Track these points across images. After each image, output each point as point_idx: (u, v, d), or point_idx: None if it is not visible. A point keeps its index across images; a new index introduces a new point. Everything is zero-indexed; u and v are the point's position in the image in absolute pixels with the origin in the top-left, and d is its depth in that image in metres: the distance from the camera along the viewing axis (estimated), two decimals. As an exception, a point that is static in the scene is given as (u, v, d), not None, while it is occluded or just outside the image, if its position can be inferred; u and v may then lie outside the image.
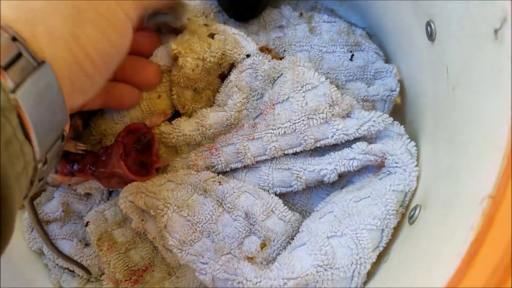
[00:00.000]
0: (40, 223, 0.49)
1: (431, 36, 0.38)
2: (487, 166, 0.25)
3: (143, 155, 0.48)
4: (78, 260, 0.48)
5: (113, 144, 0.47)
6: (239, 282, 0.36)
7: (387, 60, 0.52)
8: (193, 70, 0.46)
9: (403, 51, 0.47)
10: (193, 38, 0.46)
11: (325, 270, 0.35)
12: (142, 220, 0.44)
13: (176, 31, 0.47)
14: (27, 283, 0.47)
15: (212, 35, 0.49)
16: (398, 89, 0.49)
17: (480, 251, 0.24)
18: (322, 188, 0.46)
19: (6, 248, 0.26)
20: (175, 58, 0.46)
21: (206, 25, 0.49)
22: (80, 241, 0.50)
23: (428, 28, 0.38)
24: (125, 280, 0.44)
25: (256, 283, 0.35)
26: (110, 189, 0.51)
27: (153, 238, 0.44)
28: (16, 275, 0.47)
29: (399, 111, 0.50)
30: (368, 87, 0.49)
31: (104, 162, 0.46)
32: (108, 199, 0.52)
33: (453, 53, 0.34)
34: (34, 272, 0.49)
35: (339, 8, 0.57)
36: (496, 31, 0.26)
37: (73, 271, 0.49)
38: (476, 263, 0.24)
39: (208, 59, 0.47)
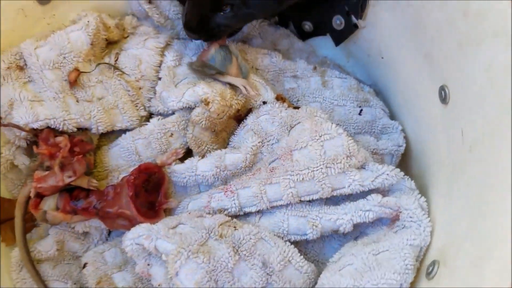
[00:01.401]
0: (32, 262, 0.46)
1: (444, 99, 0.41)
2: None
3: (152, 195, 0.47)
4: (72, 304, 0.45)
5: (122, 183, 0.46)
6: (259, 335, 0.34)
7: (392, 117, 0.55)
8: (218, 115, 0.47)
9: (411, 109, 0.50)
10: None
11: (349, 326, 0.35)
12: (148, 264, 0.42)
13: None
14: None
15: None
16: (404, 145, 0.51)
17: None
18: (334, 238, 0.46)
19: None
20: (203, 101, 0.46)
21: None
22: (75, 283, 0.46)
23: (442, 92, 0.41)
24: (125, 328, 0.41)
25: (278, 336, 0.34)
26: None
27: (158, 285, 0.42)
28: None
29: (404, 164, 0.52)
30: (377, 141, 0.51)
31: (111, 202, 0.45)
32: (107, 240, 0.49)
33: (469, 117, 0.36)
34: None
35: (345, 64, 0.60)
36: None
37: (64, 316, 0.45)
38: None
39: (234, 106, 0.48)
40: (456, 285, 0.33)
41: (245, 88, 0.48)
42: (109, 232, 0.50)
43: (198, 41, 0.54)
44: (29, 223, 0.50)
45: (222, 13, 0.46)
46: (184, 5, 0.47)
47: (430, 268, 0.38)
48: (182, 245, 0.39)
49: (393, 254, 0.39)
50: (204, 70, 0.48)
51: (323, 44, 0.60)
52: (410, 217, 0.41)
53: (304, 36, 0.60)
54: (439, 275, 0.36)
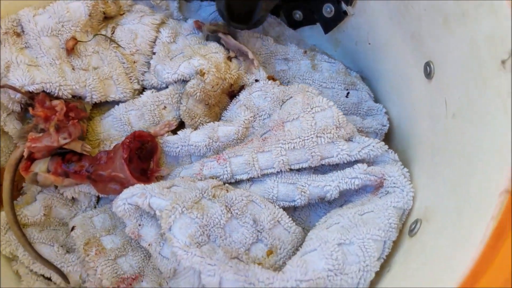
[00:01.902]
0: (18, 224, 0.46)
1: (429, 74, 0.43)
2: (499, 166, 0.29)
3: (144, 163, 0.48)
4: (58, 266, 0.44)
5: (116, 148, 0.46)
6: (250, 283, 0.35)
7: (377, 102, 0.57)
8: (212, 87, 0.48)
9: (396, 90, 0.52)
10: (217, 56, 0.49)
11: (335, 275, 0.36)
12: (140, 225, 0.43)
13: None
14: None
15: (230, 58, 0.52)
16: (388, 124, 0.54)
17: (503, 238, 0.26)
18: (320, 206, 0.48)
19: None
20: (199, 73, 0.48)
21: (226, 48, 0.52)
22: (61, 246, 0.46)
23: (427, 68, 0.43)
24: (113, 288, 0.41)
25: (268, 284, 0.35)
26: (102, 195, 0.48)
27: (148, 245, 0.43)
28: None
29: (388, 143, 0.54)
30: (362, 120, 0.53)
31: (104, 165, 0.45)
32: (95, 207, 0.50)
33: (453, 87, 0.39)
34: (3, 278, 0.45)
35: (333, 53, 0.63)
36: (503, 62, 0.31)
37: (49, 279, 0.45)
38: (500, 252, 0.26)
39: (227, 79, 0.49)
40: (437, 239, 0.35)
41: (251, 54, 0.49)
42: (98, 200, 0.50)
43: (191, 23, 0.56)
44: (16, 192, 0.50)
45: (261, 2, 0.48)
46: None
47: (413, 226, 0.40)
48: (177, 201, 0.40)
49: (377, 214, 0.40)
50: (216, 28, 0.50)
51: (312, 34, 0.63)
52: (394, 183, 0.43)
53: (294, 25, 0.63)
54: (421, 231, 0.38)
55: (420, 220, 0.39)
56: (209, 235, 0.39)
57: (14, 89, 0.44)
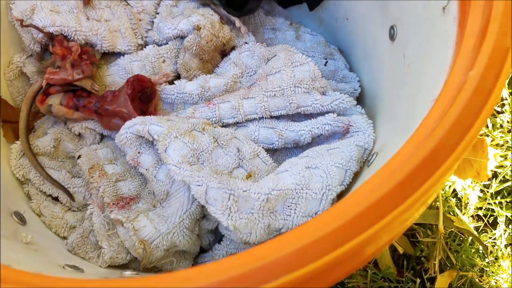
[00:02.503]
0: (31, 149, 0.52)
1: (392, 36, 0.51)
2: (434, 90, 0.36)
3: (144, 105, 0.55)
4: (65, 187, 0.51)
5: (121, 88, 0.53)
6: (231, 190, 0.42)
7: (351, 71, 0.65)
8: (207, 42, 0.56)
9: (367, 57, 0.60)
10: (212, 17, 0.57)
11: (301, 189, 0.43)
12: (139, 152, 0.50)
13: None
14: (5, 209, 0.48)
15: (222, 22, 0.59)
16: (359, 89, 0.61)
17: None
18: (295, 152, 0.55)
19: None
20: (196, 28, 0.55)
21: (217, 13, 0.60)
22: (68, 172, 0.53)
23: (391, 30, 0.51)
24: (113, 204, 0.48)
25: (246, 191, 0.42)
26: (105, 131, 0.55)
27: (146, 170, 0.49)
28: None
29: (358, 103, 0.62)
30: (337, 83, 0.61)
31: (109, 102, 0.52)
32: (99, 144, 0.56)
33: (411, 41, 0.47)
34: (15, 199, 0.51)
35: (317, 30, 0.71)
36: (444, 8, 0.39)
37: (56, 198, 0.51)
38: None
39: (220, 38, 0.57)
40: (381, 163, 0.42)
41: (238, 22, 0.57)
42: (101, 139, 0.57)
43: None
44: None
45: None
46: None
47: (370, 158, 0.47)
48: (172, 128, 0.47)
49: (341, 149, 0.48)
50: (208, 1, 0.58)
51: (299, 13, 0.70)
52: (358, 128, 0.51)
53: (284, 4, 0.71)
54: (374, 162, 0.46)
55: (376, 153, 0.47)
56: (198, 158, 0.46)
57: (37, 28, 0.51)
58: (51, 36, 0.52)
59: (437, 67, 0.39)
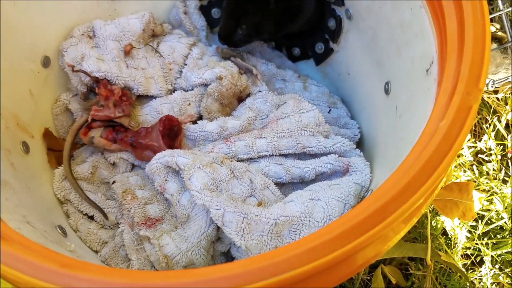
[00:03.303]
0: (72, 174, 0.60)
1: (387, 91, 0.60)
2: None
3: (171, 141, 0.63)
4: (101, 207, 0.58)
5: (153, 126, 0.62)
6: (245, 214, 0.49)
7: (352, 118, 0.74)
8: (227, 89, 0.65)
9: (365, 108, 0.69)
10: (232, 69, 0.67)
11: (305, 217, 0.50)
12: (166, 180, 0.58)
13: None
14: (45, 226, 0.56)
15: (241, 73, 0.69)
16: (359, 135, 0.70)
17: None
18: (300, 187, 0.62)
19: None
20: (218, 78, 0.64)
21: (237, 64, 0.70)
22: (103, 194, 0.60)
23: (386, 86, 0.60)
24: (141, 223, 0.55)
25: (257, 215, 0.49)
26: (137, 162, 0.63)
27: (171, 195, 0.57)
28: (42, 215, 0.56)
29: (358, 147, 0.70)
30: (339, 129, 0.70)
31: (143, 137, 0.61)
32: (130, 172, 0.64)
33: (401, 95, 0.55)
34: (54, 216, 0.58)
35: (322, 82, 0.80)
36: (427, 70, 0.48)
37: (91, 217, 0.59)
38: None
39: (238, 86, 0.66)
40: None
41: (255, 70, 0.67)
42: (132, 168, 0.65)
43: (213, 48, 0.75)
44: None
45: (240, 31, 0.67)
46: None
47: (367, 194, 0.54)
48: (196, 160, 0.55)
49: (341, 185, 0.55)
50: (229, 53, 0.68)
51: (306, 67, 0.80)
52: (356, 168, 0.59)
53: (293, 59, 0.81)
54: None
55: (371, 190, 0.54)
56: (217, 186, 0.54)
57: (86, 73, 0.61)
58: (96, 80, 0.62)
59: (420, 117, 0.48)
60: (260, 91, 0.70)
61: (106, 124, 0.61)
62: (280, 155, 0.62)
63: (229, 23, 0.67)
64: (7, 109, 0.56)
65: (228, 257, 0.58)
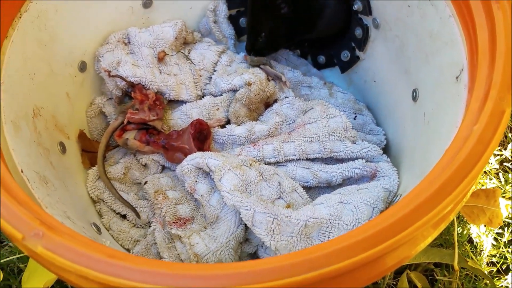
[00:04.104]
0: (106, 174, 0.63)
1: (415, 98, 0.61)
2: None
3: (201, 144, 0.65)
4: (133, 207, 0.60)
5: (184, 129, 0.64)
6: (275, 215, 0.50)
7: (377, 125, 0.74)
8: (255, 95, 0.67)
9: (392, 115, 0.70)
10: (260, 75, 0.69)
11: (335, 219, 0.51)
12: (196, 181, 0.59)
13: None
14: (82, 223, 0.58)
15: (269, 79, 0.71)
16: (385, 141, 0.70)
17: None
18: (327, 191, 0.63)
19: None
20: (247, 84, 0.66)
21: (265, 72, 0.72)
22: (135, 194, 0.62)
23: (414, 93, 0.61)
24: (173, 222, 0.57)
25: (287, 216, 0.50)
26: (167, 163, 0.65)
27: (200, 196, 0.59)
28: (79, 212, 0.58)
29: (385, 153, 0.71)
30: (365, 135, 0.70)
31: (174, 139, 0.63)
32: (160, 173, 0.66)
33: (430, 102, 0.56)
34: (89, 214, 0.60)
35: (347, 90, 0.81)
36: (457, 77, 0.49)
37: (124, 216, 0.61)
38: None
39: (266, 92, 0.68)
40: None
41: (284, 77, 0.68)
42: (162, 169, 0.67)
43: (241, 55, 0.77)
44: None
45: (260, 39, 0.69)
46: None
47: (395, 199, 0.55)
48: (226, 162, 0.57)
49: (370, 189, 0.56)
50: (258, 61, 0.70)
51: (331, 74, 0.82)
52: (384, 174, 0.59)
53: (318, 66, 0.82)
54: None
55: (400, 195, 0.55)
56: (247, 188, 0.55)
57: (122, 78, 0.63)
58: (131, 84, 0.64)
59: (449, 123, 0.48)
60: (286, 97, 0.71)
61: (140, 127, 0.64)
62: (307, 159, 0.63)
63: (251, 34, 0.70)
64: (47, 110, 0.59)
65: (254, 258, 0.59)
